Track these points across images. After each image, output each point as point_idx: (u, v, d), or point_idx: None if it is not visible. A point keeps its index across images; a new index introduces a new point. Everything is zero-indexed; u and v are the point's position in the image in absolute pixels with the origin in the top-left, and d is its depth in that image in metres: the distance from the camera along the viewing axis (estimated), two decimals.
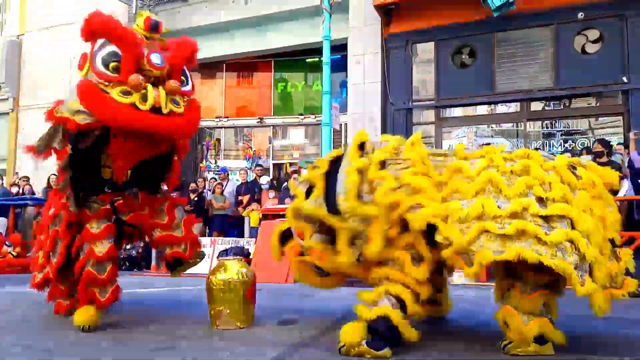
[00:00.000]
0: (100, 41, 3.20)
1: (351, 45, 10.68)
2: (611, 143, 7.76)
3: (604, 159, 6.79)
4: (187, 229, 3.80)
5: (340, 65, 11.14)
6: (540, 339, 2.57)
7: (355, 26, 10.61)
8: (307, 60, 12.37)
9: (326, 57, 9.09)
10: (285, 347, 2.97)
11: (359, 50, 10.54)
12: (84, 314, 3.32)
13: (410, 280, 2.81)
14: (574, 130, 9.64)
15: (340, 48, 10.80)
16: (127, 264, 9.58)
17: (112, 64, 3.11)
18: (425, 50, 10.43)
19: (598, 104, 9.38)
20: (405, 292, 2.77)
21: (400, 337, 2.70)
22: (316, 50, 10.76)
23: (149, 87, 3.08)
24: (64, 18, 14.12)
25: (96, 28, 3.17)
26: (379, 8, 9.88)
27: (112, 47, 3.16)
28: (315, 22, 10.39)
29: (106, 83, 3.09)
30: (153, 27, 3.36)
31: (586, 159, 7.16)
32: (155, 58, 3.17)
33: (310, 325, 3.57)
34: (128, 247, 9.67)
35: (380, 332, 2.66)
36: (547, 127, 9.79)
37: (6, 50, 14.48)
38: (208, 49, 12.71)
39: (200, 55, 14.07)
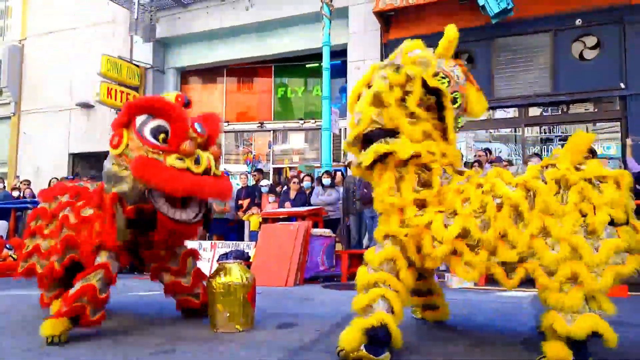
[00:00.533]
0: (141, 118, 3.39)
1: (351, 51, 10.74)
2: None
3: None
4: (194, 280, 3.98)
5: (340, 70, 11.20)
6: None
7: (355, 32, 10.68)
8: (307, 65, 12.43)
9: (326, 62, 9.16)
10: (285, 350, 2.99)
11: (359, 56, 10.60)
12: (57, 326, 3.20)
13: (401, 287, 2.88)
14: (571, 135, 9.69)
15: (340, 54, 10.87)
16: (127, 267, 9.59)
17: (161, 136, 3.33)
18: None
19: (596, 110, 9.43)
20: (396, 299, 2.82)
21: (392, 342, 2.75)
22: (316, 56, 10.82)
23: (199, 151, 3.38)
24: (65, 23, 14.21)
25: (144, 108, 3.41)
26: (378, 14, 9.95)
27: (157, 121, 3.37)
28: (315, 28, 10.46)
29: (159, 152, 3.30)
30: (186, 104, 3.68)
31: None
32: (199, 127, 3.48)
33: (309, 329, 3.59)
34: None
35: (379, 337, 2.70)
36: (545, 133, 9.84)
37: (8, 55, 14.55)
38: (209, 54, 12.81)
39: (201, 60, 14.25)
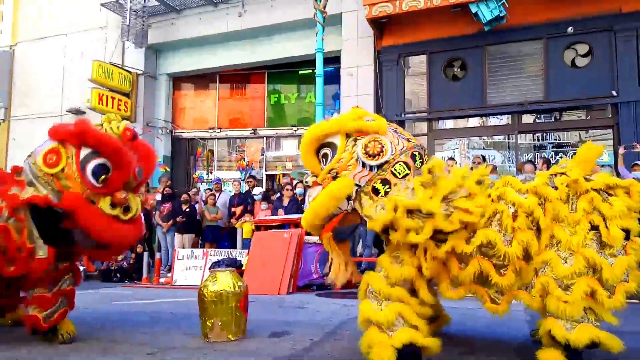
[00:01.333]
0: (86, 150, 3.38)
1: (344, 57, 10.76)
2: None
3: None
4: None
5: (333, 77, 11.20)
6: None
7: (348, 39, 10.70)
8: (300, 72, 12.42)
9: (319, 69, 9.15)
10: (276, 358, 2.94)
11: (352, 63, 10.61)
12: None
13: (416, 305, 2.88)
14: (564, 142, 9.74)
15: (333, 60, 10.88)
16: (119, 275, 9.49)
17: (102, 177, 3.34)
18: (418, 63, 10.54)
19: (588, 117, 9.49)
20: (413, 315, 2.81)
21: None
22: (309, 63, 10.81)
23: (130, 197, 3.45)
24: (56, 29, 14.12)
25: (92, 142, 3.37)
26: (371, 21, 9.97)
27: (102, 160, 3.37)
28: (308, 35, 10.47)
29: (95, 194, 3.33)
30: (134, 138, 3.62)
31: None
32: (139, 173, 3.54)
33: (302, 337, 3.55)
34: (120, 258, 9.58)
35: (412, 355, 2.69)
36: (538, 140, 9.89)
37: None
38: (202, 60, 12.76)
39: (193, 66, 14.17)
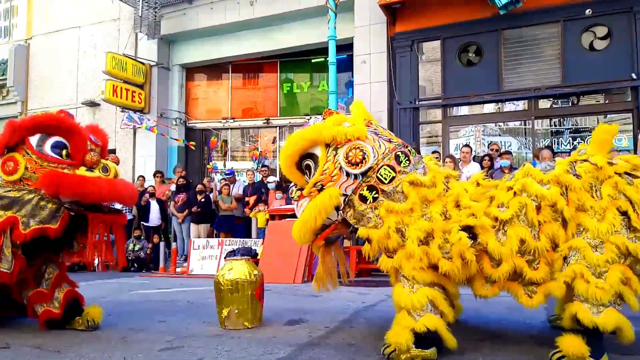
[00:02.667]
0: (35, 138, 3.42)
1: (357, 44, 10.66)
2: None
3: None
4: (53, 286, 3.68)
5: (346, 65, 11.12)
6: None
7: (360, 26, 10.59)
8: (313, 60, 12.35)
9: (332, 57, 9.07)
10: (293, 347, 2.96)
11: (365, 50, 10.51)
12: None
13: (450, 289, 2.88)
14: (582, 128, 9.55)
15: (346, 48, 10.78)
16: (136, 265, 9.61)
17: (64, 152, 3.41)
18: (432, 48, 10.40)
19: (607, 102, 9.29)
20: (444, 302, 2.79)
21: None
22: (322, 51, 10.75)
23: (103, 160, 3.52)
24: (70, 22, 14.22)
25: (38, 124, 3.44)
26: (384, 7, 9.85)
27: (54, 138, 3.43)
28: (320, 22, 10.38)
29: (68, 167, 3.36)
30: (70, 117, 3.70)
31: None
32: (94, 138, 3.59)
33: (318, 325, 3.56)
34: (136, 248, 9.71)
35: (430, 339, 2.68)
36: (555, 125, 9.71)
37: (14, 54, 14.59)
38: (214, 50, 12.76)
39: (206, 57, 14.19)
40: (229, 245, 8.51)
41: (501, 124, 10.26)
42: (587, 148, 2.81)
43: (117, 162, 3.67)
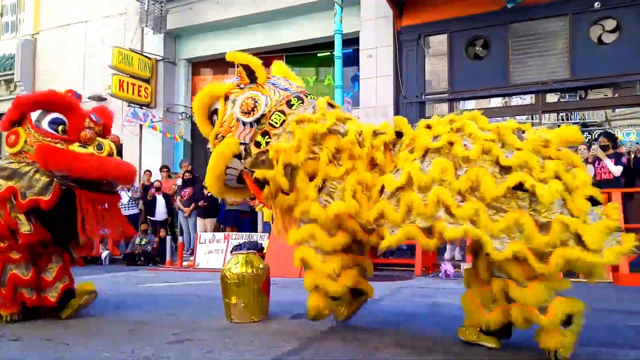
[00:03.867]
0: (36, 113, 3.55)
1: (363, 38, 10.62)
2: (616, 136, 7.63)
3: (610, 152, 6.70)
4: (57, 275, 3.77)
5: (352, 59, 11.08)
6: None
7: (367, 19, 10.54)
8: (319, 54, 12.32)
9: (338, 51, 9.04)
10: (300, 340, 2.97)
11: (371, 44, 10.47)
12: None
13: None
14: (590, 122, 9.50)
15: (352, 42, 10.75)
16: (143, 259, 9.68)
17: (60, 128, 3.51)
18: (438, 42, 10.34)
19: (615, 95, 9.22)
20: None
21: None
22: (328, 45, 10.71)
23: (99, 138, 3.59)
24: (76, 16, 14.26)
25: (37, 103, 3.58)
26: (390, 0, 9.80)
27: (53, 115, 3.54)
28: (326, 16, 10.35)
29: (62, 142, 3.47)
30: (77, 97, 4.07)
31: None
32: (95, 117, 3.68)
33: (324, 319, 3.56)
34: (143, 242, 9.77)
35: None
36: (562, 119, 9.66)
37: (21, 49, 14.65)
38: (220, 45, 12.74)
39: (212, 51, 14.16)
40: (235, 239, 8.55)
41: (508, 118, 10.21)
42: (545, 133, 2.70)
43: (117, 142, 3.82)
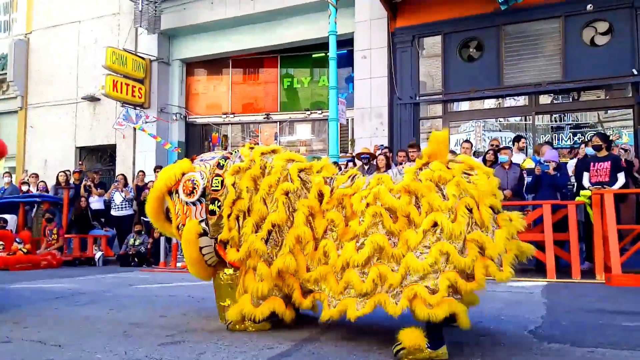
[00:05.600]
0: None
1: (357, 40, 10.64)
2: (610, 137, 7.65)
3: (603, 153, 6.72)
4: None
5: (346, 60, 11.10)
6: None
7: (361, 21, 10.56)
8: (314, 55, 12.33)
9: (332, 52, 9.05)
10: (294, 341, 2.97)
11: (365, 45, 10.49)
12: None
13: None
14: (583, 123, 9.55)
15: (346, 43, 10.77)
16: (136, 260, 9.63)
17: None
18: (432, 44, 10.38)
19: (607, 97, 9.28)
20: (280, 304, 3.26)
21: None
22: (322, 46, 10.73)
23: None
24: (70, 16, 14.20)
25: None
26: (385, 2, 9.83)
27: None
28: (321, 17, 10.36)
29: None
30: None
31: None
32: None
33: (317, 320, 3.56)
34: (137, 243, 9.72)
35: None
36: (555, 121, 9.71)
37: (14, 49, 14.56)
38: (214, 45, 12.74)
39: (206, 51, 14.13)
40: None
41: (502, 119, 10.27)
42: (422, 156, 2.95)
43: None
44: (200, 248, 3.38)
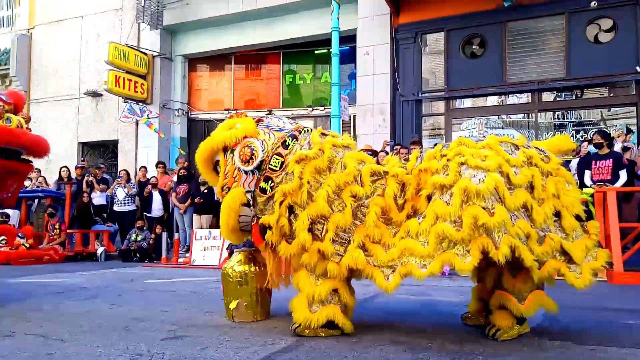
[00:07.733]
0: None
1: (360, 36, 10.61)
2: (611, 135, 7.63)
3: (604, 151, 6.70)
4: None
5: (349, 56, 11.07)
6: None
7: (364, 17, 10.53)
8: (316, 51, 12.31)
9: (335, 48, 9.02)
10: (295, 337, 2.98)
11: (368, 41, 10.47)
12: None
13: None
14: (586, 121, 9.53)
15: (349, 39, 10.74)
16: (138, 255, 9.66)
17: None
18: (435, 40, 10.35)
19: (611, 95, 9.25)
20: (347, 295, 3.10)
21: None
22: (325, 42, 10.71)
23: (8, 114, 4.14)
24: (72, 11, 14.18)
25: None
26: None
27: None
28: (323, 14, 10.33)
29: None
30: None
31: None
32: (4, 97, 4.22)
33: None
34: (139, 238, 9.75)
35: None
36: (558, 118, 9.68)
37: (17, 44, 14.57)
38: (217, 41, 12.72)
39: (209, 47, 14.09)
40: None
41: (504, 116, 10.24)
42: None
43: (27, 119, 4.40)
44: (239, 216, 3.18)
